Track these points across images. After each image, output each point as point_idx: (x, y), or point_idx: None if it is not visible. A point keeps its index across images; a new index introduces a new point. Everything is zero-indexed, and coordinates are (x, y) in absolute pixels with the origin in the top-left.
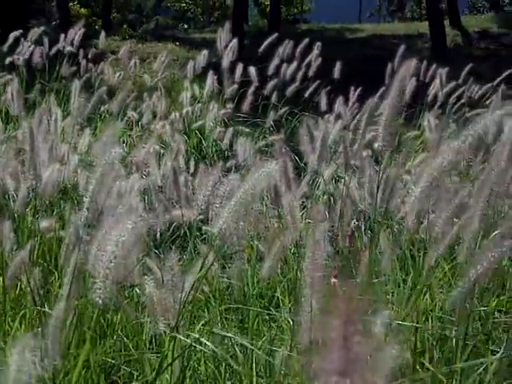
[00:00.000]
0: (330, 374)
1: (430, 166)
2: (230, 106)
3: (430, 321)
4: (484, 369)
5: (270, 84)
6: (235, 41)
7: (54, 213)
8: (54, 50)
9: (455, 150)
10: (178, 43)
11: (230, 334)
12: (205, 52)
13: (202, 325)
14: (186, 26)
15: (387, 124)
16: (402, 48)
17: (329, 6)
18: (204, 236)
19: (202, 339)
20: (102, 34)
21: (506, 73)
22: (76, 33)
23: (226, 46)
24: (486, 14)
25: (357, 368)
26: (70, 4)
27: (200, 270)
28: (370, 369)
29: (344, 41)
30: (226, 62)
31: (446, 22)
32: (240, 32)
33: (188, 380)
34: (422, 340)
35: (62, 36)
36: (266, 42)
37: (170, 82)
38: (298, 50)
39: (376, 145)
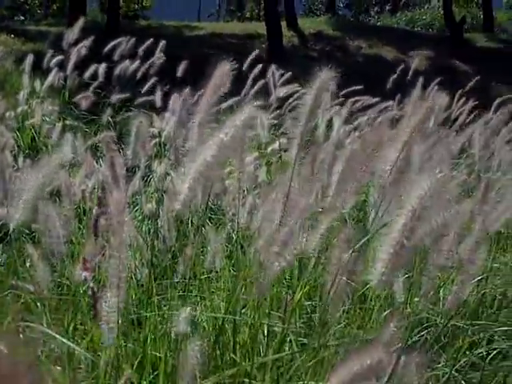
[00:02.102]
0: None
1: (195, 160)
2: (60, 101)
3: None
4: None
5: (112, 81)
6: (87, 40)
7: None
8: None
9: (218, 143)
10: (12, 35)
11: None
12: (46, 46)
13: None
14: (22, 18)
15: (201, 124)
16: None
17: (169, 3)
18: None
19: None
20: None
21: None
22: None
23: (75, 43)
24: (322, 17)
25: None
26: None
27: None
28: None
29: (183, 39)
30: (71, 58)
31: (284, 24)
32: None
33: None
34: (254, 336)
35: None
36: (110, 45)
37: (2, 75)
38: (140, 47)
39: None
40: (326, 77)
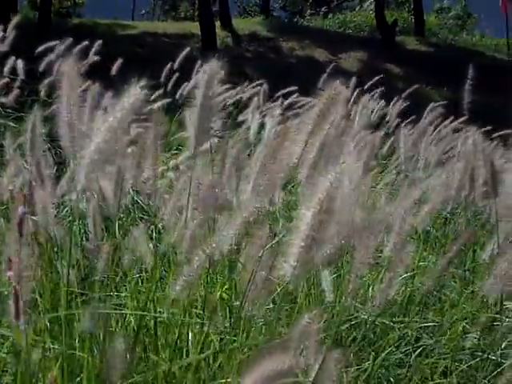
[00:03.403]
0: None
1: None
2: None
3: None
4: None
5: (45, 80)
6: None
7: None
8: None
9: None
10: None
11: None
12: None
13: None
14: None
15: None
16: (186, 50)
17: (103, 1)
18: None
19: None
20: None
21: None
22: None
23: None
24: (256, 18)
25: None
26: None
27: None
28: None
29: (115, 37)
30: None
31: (218, 24)
32: (6, 22)
33: None
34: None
35: None
36: (41, 47)
37: None
38: (72, 46)
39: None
40: (212, 70)
